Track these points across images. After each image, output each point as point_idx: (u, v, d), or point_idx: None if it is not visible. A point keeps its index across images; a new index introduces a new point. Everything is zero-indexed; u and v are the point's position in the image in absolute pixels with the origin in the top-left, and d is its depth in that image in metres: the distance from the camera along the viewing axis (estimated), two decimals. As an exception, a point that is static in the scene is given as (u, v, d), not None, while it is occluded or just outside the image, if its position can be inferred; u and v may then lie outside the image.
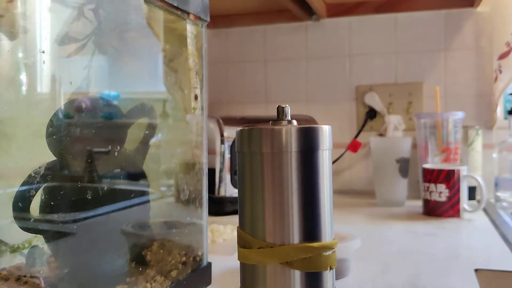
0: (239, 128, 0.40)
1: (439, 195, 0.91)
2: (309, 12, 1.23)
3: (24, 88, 0.35)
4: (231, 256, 0.67)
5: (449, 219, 0.90)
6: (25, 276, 0.36)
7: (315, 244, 0.37)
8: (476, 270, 0.59)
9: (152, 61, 0.53)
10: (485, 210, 0.98)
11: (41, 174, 0.35)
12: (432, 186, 0.92)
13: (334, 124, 1.21)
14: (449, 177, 0.91)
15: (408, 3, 1.21)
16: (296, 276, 0.37)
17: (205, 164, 0.54)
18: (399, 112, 1.22)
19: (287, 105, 0.40)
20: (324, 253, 0.38)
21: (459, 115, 1.04)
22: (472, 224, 0.87)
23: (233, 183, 0.97)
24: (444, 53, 1.20)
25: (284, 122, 0.39)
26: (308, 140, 0.38)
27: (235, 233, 0.76)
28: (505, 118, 1.15)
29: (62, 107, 0.37)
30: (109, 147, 0.42)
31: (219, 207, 0.96)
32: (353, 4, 1.23)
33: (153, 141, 0.48)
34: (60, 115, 0.37)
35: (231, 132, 0.98)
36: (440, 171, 0.92)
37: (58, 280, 0.37)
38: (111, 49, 0.44)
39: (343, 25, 1.27)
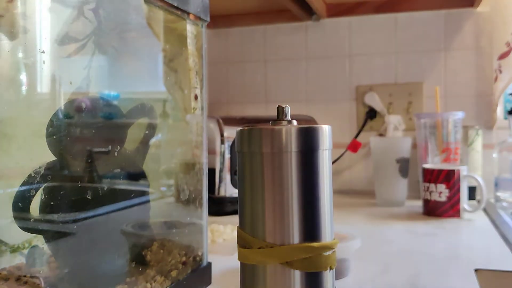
0: (239, 128, 0.40)
1: (439, 195, 0.91)
2: (309, 12, 1.23)
3: (24, 88, 0.35)
4: (231, 256, 0.67)
5: (449, 219, 0.90)
6: (25, 276, 0.36)
7: (315, 244, 0.37)
8: (476, 270, 0.59)
9: (152, 61, 0.53)
10: (485, 210, 0.98)
11: (41, 174, 0.35)
12: (432, 186, 0.92)
13: (334, 124, 1.21)
14: (449, 177, 0.91)
15: (408, 3, 1.21)
16: (296, 276, 0.37)
17: (205, 164, 0.54)
18: (399, 112, 1.22)
19: (287, 105, 0.40)
20: (324, 253, 0.38)
21: (459, 115, 1.04)
22: (472, 224, 0.87)
23: (233, 183, 0.97)
24: (444, 53, 1.20)
25: (284, 122, 0.39)
26: (308, 140, 0.38)
27: (235, 233, 0.76)
28: (505, 118, 1.15)
29: (62, 107, 0.37)
30: (109, 147, 0.42)
31: (219, 207, 0.96)
32: (353, 4, 1.23)
33: (153, 141, 0.48)
34: (60, 115, 0.37)
35: (231, 132, 0.98)
36: (440, 171, 0.92)
37: (58, 280, 0.37)
38: (111, 49, 0.44)
39: (343, 25, 1.27)
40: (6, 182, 0.37)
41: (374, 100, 1.23)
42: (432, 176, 0.93)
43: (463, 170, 0.91)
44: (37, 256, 0.38)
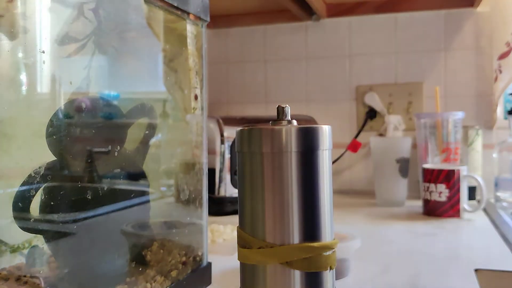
0: (239, 128, 0.40)
1: (439, 195, 0.91)
2: (309, 12, 1.23)
3: (24, 88, 0.35)
4: (231, 256, 0.67)
5: (449, 219, 0.90)
6: (25, 276, 0.36)
7: (315, 244, 0.37)
8: (476, 270, 0.59)
9: (152, 61, 0.53)
10: (485, 210, 0.98)
11: (41, 174, 0.35)
12: (432, 186, 0.92)
13: (334, 124, 1.21)
14: (449, 177, 0.91)
15: (408, 3, 1.21)
16: (296, 276, 0.37)
17: (205, 164, 0.54)
18: (399, 112, 1.22)
19: (287, 105, 0.40)
20: (324, 253, 0.38)
21: (459, 115, 1.04)
22: (472, 224, 0.87)
23: (233, 183, 0.97)
24: (444, 53, 1.20)
25: (284, 122, 0.39)
26: (308, 140, 0.38)
27: (235, 233, 0.76)
28: (505, 118, 1.15)
29: (62, 107, 0.37)
30: (109, 147, 0.42)
31: (219, 207, 0.96)
32: (353, 4, 1.23)
33: (153, 141, 0.48)
34: (60, 115, 0.37)
35: (231, 132, 0.98)
36: (440, 171, 0.92)
37: (58, 280, 0.37)
38: (111, 49, 0.44)
39: (343, 25, 1.27)
40: (6, 182, 0.37)
41: (374, 100, 1.23)
42: (432, 176, 0.93)
43: (463, 170, 0.91)
44: (37, 256, 0.38)
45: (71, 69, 0.40)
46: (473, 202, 1.02)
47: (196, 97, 0.53)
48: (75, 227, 0.37)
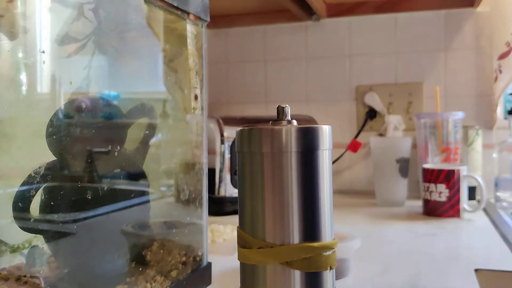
0: (239, 128, 0.40)
1: (439, 195, 0.91)
2: (309, 12, 1.23)
3: (24, 88, 0.35)
4: (231, 256, 0.67)
5: (449, 219, 0.90)
6: (25, 276, 0.36)
7: (315, 244, 0.37)
8: (476, 270, 0.59)
9: (152, 61, 0.53)
10: (485, 210, 0.98)
11: (41, 174, 0.35)
12: (432, 186, 0.92)
13: (334, 124, 1.21)
14: (449, 177, 0.91)
15: (408, 3, 1.21)
16: (296, 276, 0.37)
17: (205, 164, 0.54)
18: (399, 112, 1.22)
19: (287, 105, 0.40)
20: (324, 253, 0.38)
21: (459, 115, 1.04)
22: (472, 224, 0.87)
23: (233, 183, 0.97)
24: (444, 53, 1.20)
25: (284, 122, 0.39)
26: (308, 140, 0.38)
27: (235, 233, 0.76)
28: (505, 118, 1.15)
29: (62, 107, 0.37)
30: (109, 147, 0.42)
31: (219, 207, 0.96)
32: (353, 4, 1.23)
33: (153, 141, 0.48)
34: (60, 115, 0.37)
35: (231, 132, 0.98)
36: (440, 171, 0.92)
37: (58, 280, 0.37)
38: (111, 49, 0.44)
39: (343, 25, 1.27)
40: (6, 182, 0.37)
41: (374, 100, 1.23)
42: (432, 176, 0.93)
43: (463, 170, 0.91)
44: (37, 256, 0.38)
45: (71, 69, 0.40)
46: (473, 202, 1.02)
47: (196, 97, 0.53)
48: (75, 227, 0.37)
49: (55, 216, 0.36)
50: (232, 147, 0.97)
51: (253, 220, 0.38)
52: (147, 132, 0.47)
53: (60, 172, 0.37)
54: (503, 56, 1.07)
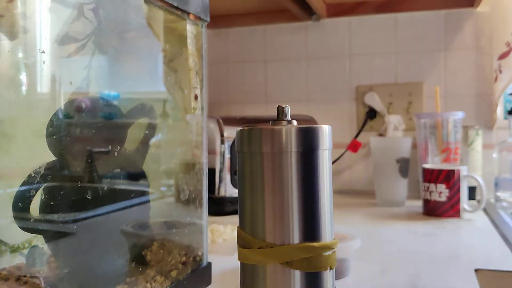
0: (239, 128, 0.40)
1: (439, 195, 0.91)
2: (309, 12, 1.23)
3: (24, 88, 0.35)
4: (231, 256, 0.67)
5: (449, 219, 0.90)
6: (25, 276, 0.36)
7: (315, 244, 0.37)
8: (476, 270, 0.59)
9: (152, 61, 0.53)
10: (485, 210, 0.98)
11: (41, 174, 0.35)
12: (432, 186, 0.92)
13: (334, 124, 1.21)
14: (449, 177, 0.91)
15: (408, 3, 1.21)
16: (296, 276, 0.37)
17: (205, 164, 0.54)
18: (399, 112, 1.22)
19: (287, 105, 0.40)
20: (324, 253, 0.38)
21: (459, 115, 1.04)
22: (472, 224, 0.87)
23: (233, 183, 0.97)
24: (444, 53, 1.20)
25: (284, 122, 0.39)
26: (308, 140, 0.38)
27: (235, 233, 0.76)
28: (505, 118, 1.15)
29: (62, 107, 0.37)
30: (109, 147, 0.42)
31: (219, 207, 0.96)
32: (353, 4, 1.23)
33: (153, 141, 0.48)
34: (60, 115, 0.37)
35: (231, 132, 0.98)
36: (440, 171, 0.92)
37: (58, 280, 0.37)
38: (111, 49, 0.44)
39: (343, 25, 1.27)
40: (6, 182, 0.37)
41: (374, 100, 1.23)
42: (432, 176, 0.93)
43: (463, 170, 0.91)
44: (37, 256, 0.38)
45: (71, 69, 0.40)
46: (473, 202, 1.02)
47: (196, 97, 0.53)
48: (75, 227, 0.37)
49: (55, 216, 0.36)
50: (232, 147, 0.97)
51: (253, 220, 0.38)
52: (147, 132, 0.47)
53: (60, 172, 0.37)
54: (503, 56, 1.07)
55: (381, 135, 1.21)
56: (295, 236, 0.37)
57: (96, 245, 0.40)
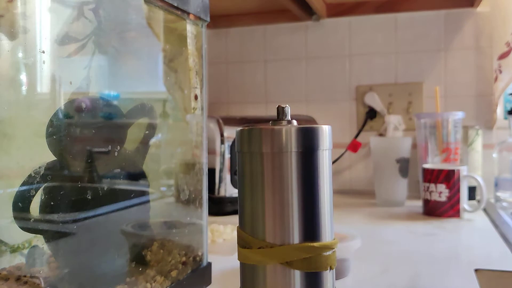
0: (239, 128, 0.40)
1: (439, 195, 0.91)
2: (309, 12, 1.23)
3: (24, 88, 0.35)
4: (231, 256, 0.67)
5: (449, 219, 0.90)
6: (25, 276, 0.36)
7: (315, 244, 0.37)
8: (476, 270, 0.59)
9: (152, 61, 0.53)
10: (485, 210, 0.98)
11: (41, 174, 0.35)
12: (432, 186, 0.92)
13: (334, 124, 1.22)
14: (449, 177, 0.91)
15: (408, 3, 1.21)
16: (296, 276, 0.37)
17: (205, 164, 0.54)
18: (399, 112, 1.22)
19: (287, 105, 0.40)
20: (324, 253, 0.38)
21: (459, 115, 1.04)
22: (472, 224, 0.87)
23: (233, 183, 0.97)
24: (444, 53, 1.20)
25: (284, 122, 0.39)
26: (308, 140, 0.38)
27: (235, 233, 0.76)
28: (505, 118, 1.15)
29: (62, 107, 0.37)
30: (109, 147, 0.42)
31: (219, 207, 0.96)
32: (353, 4, 1.23)
33: (153, 141, 0.48)
34: (60, 115, 0.37)
35: (231, 132, 0.98)
36: (440, 171, 0.92)
37: (58, 280, 0.37)
38: (111, 49, 0.44)
39: (343, 25, 1.27)
40: (6, 182, 0.37)
41: (374, 100, 1.23)
42: (432, 176, 0.93)
43: (463, 170, 0.91)
44: (37, 256, 0.38)
45: (71, 69, 0.40)
46: (473, 202, 1.02)
47: (196, 97, 0.53)
48: (75, 227, 0.37)
49: (55, 216, 0.36)
50: (232, 147, 0.97)
51: (253, 220, 0.38)
52: (147, 132, 0.47)
53: (60, 172, 0.37)
54: (503, 56, 1.07)
55: (381, 135, 1.21)
56: (295, 236, 0.37)
57: (96, 245, 0.40)
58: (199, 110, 0.54)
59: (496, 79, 1.09)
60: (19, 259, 0.39)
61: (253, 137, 0.38)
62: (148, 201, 0.47)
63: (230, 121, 1.01)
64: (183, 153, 0.55)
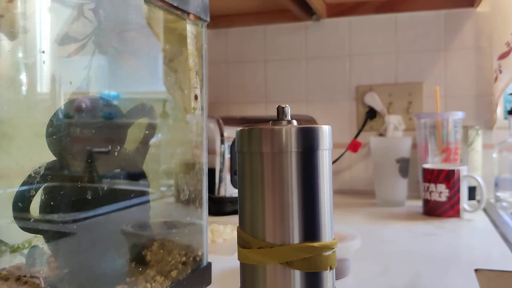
0: (239, 128, 0.40)
1: (439, 195, 0.91)
2: (309, 12, 1.23)
3: (24, 88, 0.35)
4: (231, 256, 0.67)
5: (449, 219, 0.90)
6: (25, 276, 0.36)
7: (315, 244, 0.37)
8: (476, 270, 0.59)
9: (152, 61, 0.53)
10: (485, 210, 0.98)
11: (41, 174, 0.35)
12: (432, 186, 0.92)
13: (334, 124, 1.21)
14: (449, 177, 0.91)
15: (408, 3, 1.21)
16: (296, 276, 0.37)
17: (205, 164, 0.54)
18: (399, 112, 1.22)
19: (287, 105, 0.40)
20: (324, 253, 0.38)
21: (459, 115, 1.04)
22: (472, 224, 0.87)
23: (233, 183, 0.97)
24: (444, 53, 1.20)
25: (284, 122, 0.39)
26: (308, 140, 0.38)
27: (235, 233, 0.76)
28: (505, 118, 1.15)
29: (62, 107, 0.37)
30: (109, 147, 0.42)
31: (219, 207, 0.96)
32: (353, 4, 1.23)
33: (153, 141, 0.48)
34: (60, 115, 0.37)
35: (231, 132, 0.98)
36: (440, 171, 0.92)
37: (58, 280, 0.37)
38: (111, 49, 0.44)
39: (343, 25, 1.27)
40: (6, 182, 0.37)
41: (374, 100, 1.23)
42: (432, 176, 0.93)
43: (463, 170, 0.91)
44: (37, 256, 0.38)
45: (71, 69, 0.40)
46: (473, 202, 1.02)
47: (196, 97, 0.53)
48: (75, 227, 0.37)
49: (55, 216, 0.36)
50: (232, 147, 0.97)
51: (253, 220, 0.38)
52: (147, 132, 0.47)
53: (60, 172, 0.37)
54: (503, 56, 1.07)
55: (381, 135, 1.21)
56: (295, 236, 0.37)
57: (96, 245, 0.40)
58: (199, 110, 0.54)
59: (496, 79, 1.09)
60: (19, 259, 0.39)
61: (253, 137, 0.38)
62: (148, 201, 0.47)
63: (230, 121, 1.01)
64: (183, 153, 0.55)
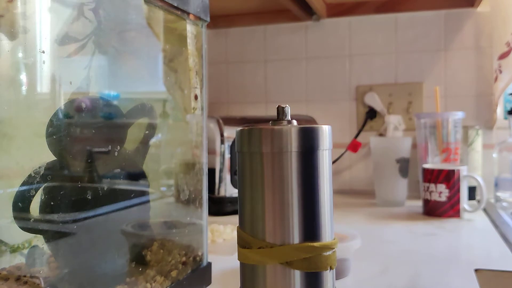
0: (239, 128, 0.40)
1: (439, 195, 0.91)
2: (309, 12, 1.23)
3: (24, 88, 0.35)
4: (231, 256, 0.67)
5: (449, 219, 0.90)
6: (25, 276, 0.36)
7: (315, 244, 0.37)
8: (476, 270, 0.59)
9: (152, 61, 0.53)
10: (485, 210, 0.98)
11: (41, 174, 0.35)
12: (432, 186, 0.92)
13: (334, 124, 1.22)
14: (449, 177, 0.91)
15: (408, 3, 1.21)
16: (296, 276, 0.37)
17: (205, 164, 0.54)
18: (399, 112, 1.22)
19: (287, 105, 0.40)
20: (324, 253, 0.38)
21: (459, 115, 1.04)
22: (472, 224, 0.87)
23: (233, 183, 0.97)
24: (444, 53, 1.20)
25: (284, 122, 0.39)
26: (308, 140, 0.38)
27: (235, 233, 0.76)
28: (505, 118, 1.15)
29: (62, 107, 0.37)
30: (109, 147, 0.42)
31: (219, 207, 0.96)
32: (353, 4, 1.23)
33: (153, 141, 0.48)
34: (60, 115, 0.37)
35: (231, 132, 0.98)
36: (440, 171, 0.92)
37: (58, 280, 0.37)
38: (111, 49, 0.44)
39: (343, 25, 1.27)
40: (6, 182, 0.37)
41: (374, 100, 1.23)
42: (432, 176, 0.93)
43: (463, 170, 0.91)
44: (37, 256, 0.38)
45: (71, 69, 0.40)
46: (473, 202, 1.02)
47: (196, 97, 0.53)
48: (75, 227, 0.37)
49: (55, 216, 0.36)
50: (232, 147, 0.97)
51: (253, 220, 0.38)
52: (147, 132, 0.47)
53: (60, 172, 0.37)
54: (503, 56, 1.07)
55: (381, 135, 1.21)
56: (295, 236, 0.37)
57: (96, 245, 0.40)
58: (199, 110, 0.54)
59: (496, 79, 1.09)
60: (19, 259, 0.39)
61: (253, 137, 0.38)
62: (148, 201, 0.47)
63: (230, 121, 1.01)
64: (183, 153, 0.55)
